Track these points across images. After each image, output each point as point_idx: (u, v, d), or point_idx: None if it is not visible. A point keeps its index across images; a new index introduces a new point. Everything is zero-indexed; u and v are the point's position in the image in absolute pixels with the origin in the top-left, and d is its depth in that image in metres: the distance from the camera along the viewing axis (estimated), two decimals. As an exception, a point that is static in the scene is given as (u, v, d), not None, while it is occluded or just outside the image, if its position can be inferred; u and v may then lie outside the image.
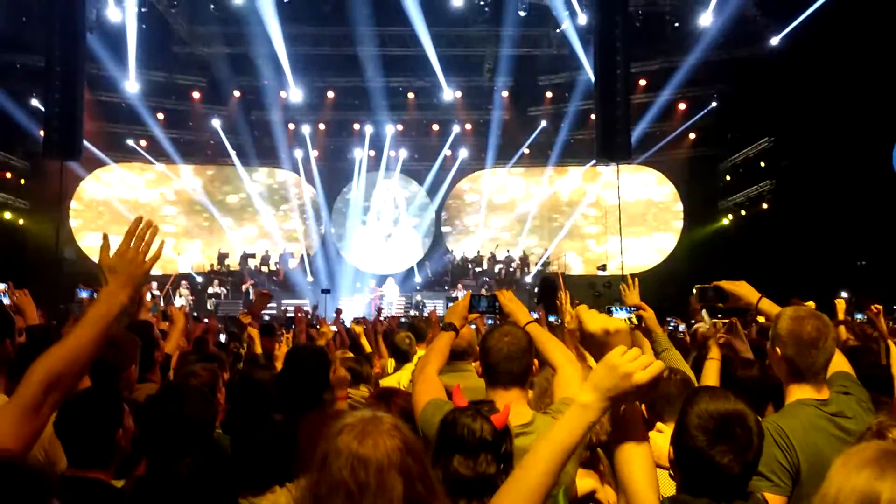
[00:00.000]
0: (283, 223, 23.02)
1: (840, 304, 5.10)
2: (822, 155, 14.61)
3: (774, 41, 16.34)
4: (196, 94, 21.02)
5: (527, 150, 21.94)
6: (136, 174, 22.22)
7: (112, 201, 21.48)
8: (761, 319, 5.17)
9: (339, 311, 8.50)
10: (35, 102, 17.42)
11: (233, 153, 21.64)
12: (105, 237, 1.87)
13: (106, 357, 2.67)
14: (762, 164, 18.62)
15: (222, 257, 20.99)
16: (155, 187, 22.53)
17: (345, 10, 17.73)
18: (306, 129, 21.59)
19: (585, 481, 2.53)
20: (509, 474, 1.70)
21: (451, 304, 3.55)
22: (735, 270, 7.41)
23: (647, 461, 1.62)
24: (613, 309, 3.73)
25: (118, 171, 21.75)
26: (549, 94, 21.32)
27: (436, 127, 22.36)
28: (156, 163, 21.61)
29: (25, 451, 1.63)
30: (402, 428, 1.49)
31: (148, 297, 6.09)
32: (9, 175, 18.63)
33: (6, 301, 4.30)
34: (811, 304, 3.41)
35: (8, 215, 18.17)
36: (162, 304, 15.00)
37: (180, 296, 18.15)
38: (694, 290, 3.15)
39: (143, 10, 17.30)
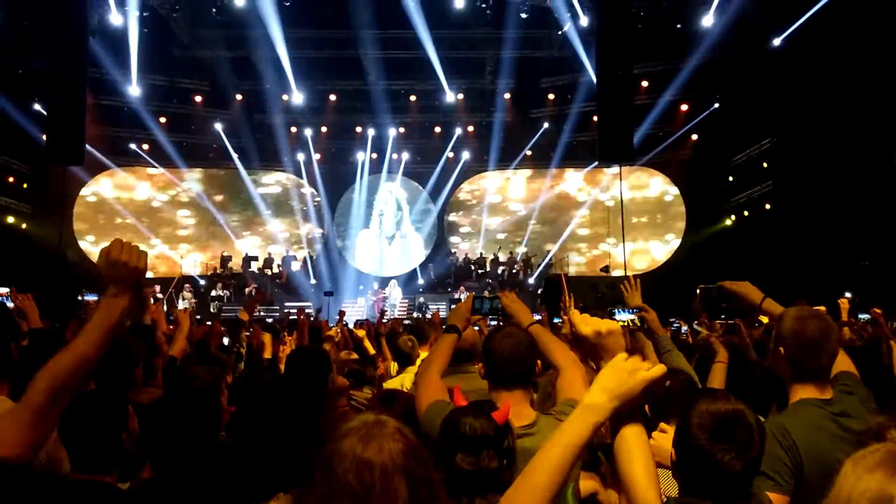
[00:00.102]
0: (285, 226, 23.04)
1: (843, 305, 5.10)
2: (825, 155, 14.59)
3: (776, 42, 16.31)
4: (198, 98, 21.07)
5: (529, 152, 21.96)
6: (139, 178, 22.26)
7: (114, 205, 21.55)
8: (764, 320, 5.17)
9: (342, 314, 8.52)
10: (37, 107, 17.49)
11: (235, 157, 21.67)
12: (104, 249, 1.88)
13: (110, 359, 2.68)
14: (764, 164, 18.58)
15: (225, 260, 21.00)
16: (157, 191, 22.58)
17: (346, 13, 17.77)
18: (308, 132, 21.61)
19: (587, 483, 2.53)
20: (511, 470, 1.69)
21: (453, 306, 3.54)
22: (738, 271, 7.40)
23: (646, 459, 1.62)
24: (616, 310, 3.73)
25: (120, 174, 21.79)
26: (551, 96, 21.35)
27: (438, 129, 22.38)
28: (158, 167, 21.66)
29: (31, 456, 1.65)
30: (405, 431, 1.49)
31: (152, 301, 6.09)
32: (11, 179, 18.68)
33: (9, 305, 4.31)
34: (822, 308, 3.40)
35: (11, 219, 18.24)
36: (165, 307, 15.01)
37: (183, 298, 18.16)
38: (697, 291, 3.15)
39: (145, 14, 17.37)
